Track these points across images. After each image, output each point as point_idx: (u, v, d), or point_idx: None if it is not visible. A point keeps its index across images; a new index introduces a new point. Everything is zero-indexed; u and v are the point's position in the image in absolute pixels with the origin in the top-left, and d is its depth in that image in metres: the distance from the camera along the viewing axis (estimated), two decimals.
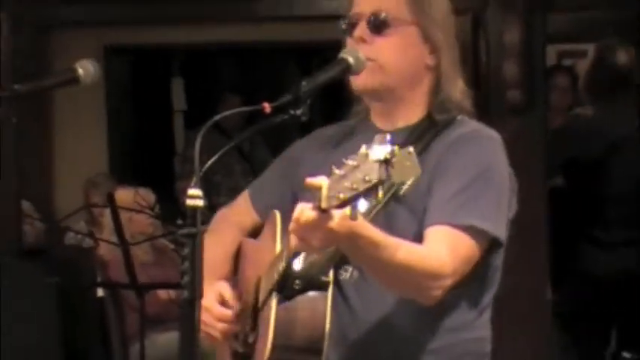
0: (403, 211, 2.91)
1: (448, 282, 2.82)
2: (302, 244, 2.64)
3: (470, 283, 2.93)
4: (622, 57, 6.46)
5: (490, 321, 3.06)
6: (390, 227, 2.82)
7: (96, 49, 7.16)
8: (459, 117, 3.04)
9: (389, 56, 3.00)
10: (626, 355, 6.42)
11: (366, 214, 2.62)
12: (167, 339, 6.56)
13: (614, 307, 6.58)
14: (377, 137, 2.41)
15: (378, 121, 3.09)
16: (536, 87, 5.78)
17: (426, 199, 2.90)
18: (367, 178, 2.40)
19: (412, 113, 3.05)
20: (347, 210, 2.49)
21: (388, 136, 2.43)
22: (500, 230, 2.92)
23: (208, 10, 6.34)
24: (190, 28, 7.54)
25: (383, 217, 2.82)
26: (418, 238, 2.86)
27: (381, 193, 2.42)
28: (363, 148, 2.41)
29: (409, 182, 2.44)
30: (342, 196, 2.44)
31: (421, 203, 2.90)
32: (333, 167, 2.46)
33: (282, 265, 2.82)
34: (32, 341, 6.09)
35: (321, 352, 2.86)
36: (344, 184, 2.43)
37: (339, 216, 2.52)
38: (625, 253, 6.47)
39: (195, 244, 2.74)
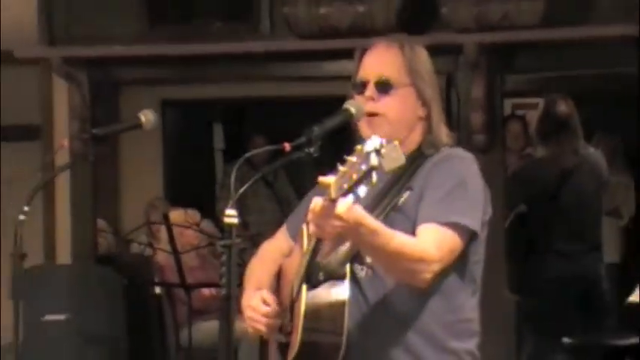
0: (401, 218, 2.93)
1: (436, 267, 2.85)
2: (318, 230, 2.68)
3: (460, 272, 2.95)
4: (563, 108, 6.46)
5: (477, 307, 3.08)
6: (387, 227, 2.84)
7: (154, 102, 7.17)
8: (443, 148, 3.06)
9: (393, 111, 3.03)
10: (566, 340, 6.39)
11: (364, 199, 2.63)
12: (209, 326, 6.54)
13: (570, 302, 6.55)
14: (373, 137, 2.47)
15: None
16: (496, 132, 5.77)
17: (417, 206, 2.92)
18: (363, 166, 2.47)
19: (406, 150, 3.04)
20: (350, 198, 2.53)
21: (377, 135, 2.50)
22: (476, 224, 2.95)
23: (240, 71, 6.34)
24: (227, 85, 7.56)
25: (384, 223, 2.83)
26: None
27: (374, 178, 2.49)
28: (358, 146, 2.49)
29: (395, 167, 2.48)
30: (346, 186, 2.50)
31: (415, 211, 2.92)
32: (338, 164, 2.52)
33: (306, 259, 2.85)
34: (105, 329, 6.08)
35: (342, 333, 2.86)
36: (346, 176, 2.49)
37: (344, 204, 2.56)
38: (578, 259, 6.46)
39: (231, 253, 2.74)
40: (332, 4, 5.72)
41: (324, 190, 2.57)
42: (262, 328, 3.07)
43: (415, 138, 3.06)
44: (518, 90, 7.77)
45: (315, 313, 2.88)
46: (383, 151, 2.48)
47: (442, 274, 2.91)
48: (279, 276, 3.21)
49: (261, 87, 7.61)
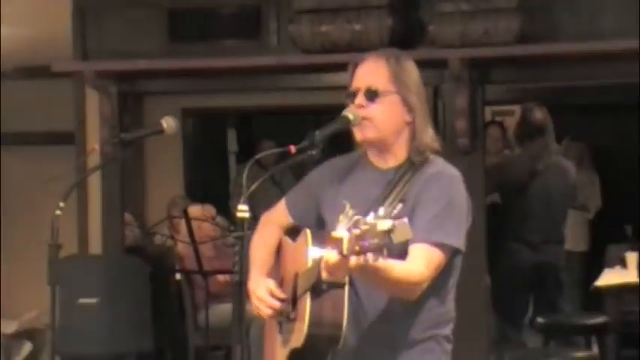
0: None
1: (425, 285, 2.89)
2: (331, 277, 2.72)
3: (436, 278, 2.95)
4: (538, 114, 6.47)
5: (454, 297, 3.09)
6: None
7: (175, 111, 7.15)
8: (431, 157, 3.05)
9: (380, 117, 3.02)
10: (540, 319, 6.39)
11: (375, 259, 2.60)
12: (224, 309, 6.54)
13: (533, 287, 6.56)
14: (381, 211, 2.47)
15: (374, 160, 3.09)
16: (478, 136, 5.76)
17: (409, 222, 2.89)
18: (377, 241, 2.47)
19: (397, 155, 3.06)
20: (368, 256, 2.50)
21: (389, 210, 2.49)
22: (461, 242, 2.97)
23: (251, 82, 6.33)
24: (239, 95, 7.55)
25: None
26: (404, 249, 2.87)
27: (385, 251, 2.49)
28: (371, 218, 2.47)
29: (403, 240, 2.49)
30: (357, 248, 2.49)
31: None
32: (343, 220, 2.50)
33: (314, 278, 2.84)
34: (132, 310, 6.08)
35: (341, 326, 2.88)
36: (360, 241, 2.48)
37: (356, 260, 2.53)
38: (542, 250, 6.46)
39: (243, 243, 2.74)
40: (332, 22, 5.72)
41: (335, 242, 2.55)
42: (266, 315, 3.10)
43: (403, 142, 3.05)
44: (497, 99, 7.76)
45: (319, 313, 2.90)
46: (395, 230, 2.47)
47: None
48: (278, 250, 3.23)
49: (269, 97, 7.60)
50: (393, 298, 2.95)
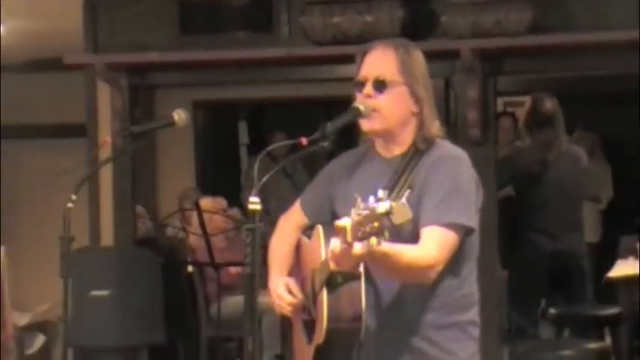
0: None
1: (439, 267, 2.87)
2: (338, 266, 2.72)
3: (452, 260, 2.94)
4: (548, 104, 6.45)
5: (476, 280, 3.07)
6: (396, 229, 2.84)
7: (186, 103, 7.16)
8: (437, 140, 3.04)
9: (387, 108, 3.00)
10: (552, 310, 6.38)
11: (379, 243, 2.61)
12: (236, 301, 6.54)
13: (554, 277, 6.54)
14: (380, 193, 2.48)
15: (380, 150, 3.09)
16: (489, 127, 5.75)
17: (418, 207, 2.89)
18: (376, 224, 2.47)
19: (403, 144, 3.05)
20: (365, 243, 2.52)
21: (387, 192, 2.51)
22: (472, 221, 2.95)
23: (262, 74, 6.33)
24: (251, 87, 7.55)
25: None
26: (414, 234, 2.88)
27: (387, 233, 2.49)
28: (371, 201, 2.48)
29: (404, 221, 2.49)
30: (360, 234, 2.49)
31: (415, 209, 2.86)
32: (353, 211, 2.51)
33: (326, 273, 2.86)
34: (144, 302, 6.09)
35: (360, 319, 2.89)
36: (361, 227, 2.49)
37: (360, 246, 2.54)
38: (561, 238, 6.44)
39: (254, 235, 2.74)
40: (343, 14, 5.71)
41: (339, 231, 2.57)
42: (288, 313, 3.12)
43: (409, 132, 3.04)
44: (509, 90, 7.75)
45: (337, 307, 2.90)
46: (393, 211, 2.47)
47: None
48: (297, 249, 3.23)
49: (280, 88, 7.59)
50: (406, 284, 2.94)
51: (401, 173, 2.98)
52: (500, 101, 8.24)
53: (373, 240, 2.49)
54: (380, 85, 3.00)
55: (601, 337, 6.37)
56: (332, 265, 2.73)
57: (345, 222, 2.52)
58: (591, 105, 8.83)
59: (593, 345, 5.69)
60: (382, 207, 2.46)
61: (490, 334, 5.50)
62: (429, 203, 2.91)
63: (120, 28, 6.30)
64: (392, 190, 2.92)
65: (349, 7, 5.71)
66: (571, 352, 5.46)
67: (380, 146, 3.09)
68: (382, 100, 3.00)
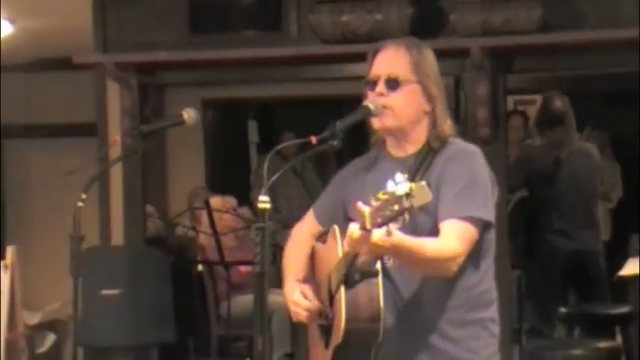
0: (421, 214, 2.86)
1: (461, 259, 2.87)
2: (355, 252, 2.72)
3: (471, 255, 2.94)
4: (558, 103, 6.42)
5: (494, 277, 3.08)
6: (414, 225, 2.85)
7: (196, 102, 7.17)
8: (450, 139, 3.04)
9: (400, 106, 3.00)
10: (563, 309, 6.35)
11: (399, 228, 2.62)
12: (246, 299, 6.54)
13: (571, 276, 6.51)
14: (398, 176, 2.47)
15: (392, 150, 3.09)
16: (499, 126, 5.75)
17: (435, 202, 2.88)
18: (396, 207, 2.48)
19: (416, 143, 3.05)
20: (384, 229, 2.54)
21: (406, 175, 2.52)
22: (490, 215, 2.96)
23: (271, 73, 6.34)
24: (260, 86, 7.55)
25: (409, 222, 2.82)
26: (433, 230, 2.89)
27: (406, 216, 2.50)
28: (391, 186, 2.49)
29: (424, 204, 2.49)
30: (379, 220, 2.51)
31: (432, 206, 2.87)
32: (371, 198, 2.52)
33: (344, 268, 2.86)
34: (154, 301, 6.10)
35: (379, 319, 2.88)
36: (380, 212, 2.50)
37: (379, 233, 2.56)
38: (578, 237, 6.42)
39: (264, 234, 2.74)
40: (353, 12, 5.71)
41: (359, 216, 2.57)
42: (304, 319, 3.10)
43: (422, 131, 3.03)
44: (519, 88, 7.74)
45: (355, 307, 2.89)
46: (413, 192, 2.48)
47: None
48: (312, 257, 3.22)
49: (290, 87, 7.60)
50: (428, 280, 2.93)
51: (415, 171, 2.97)
52: (511, 100, 8.23)
53: (392, 227, 2.50)
54: (393, 83, 2.99)
55: (612, 336, 6.36)
56: (346, 249, 2.71)
57: (365, 207, 2.54)
58: (601, 103, 8.81)
59: (603, 344, 5.67)
60: (402, 189, 2.47)
61: (500, 333, 5.49)
62: (447, 198, 2.91)
63: (129, 27, 6.31)
64: None
65: (358, 5, 5.70)
66: (582, 351, 5.44)
67: (392, 146, 3.08)
68: (395, 98, 2.99)
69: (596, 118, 8.32)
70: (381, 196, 2.50)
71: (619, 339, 6.24)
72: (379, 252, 2.73)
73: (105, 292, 5.98)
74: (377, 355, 2.92)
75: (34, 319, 7.98)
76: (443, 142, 3.02)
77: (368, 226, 2.53)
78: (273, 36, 6.08)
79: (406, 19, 5.62)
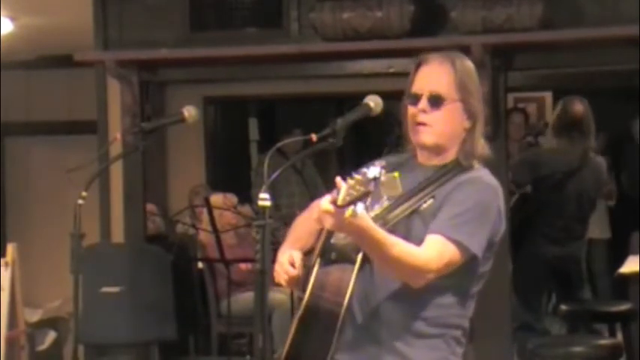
0: (419, 222, 2.90)
1: (430, 276, 2.82)
2: (324, 223, 2.68)
3: (460, 280, 2.90)
4: (579, 107, 6.37)
5: (473, 308, 3.01)
6: (408, 232, 2.85)
7: (197, 99, 7.17)
8: (477, 166, 2.99)
9: (441, 125, 2.96)
10: (563, 307, 6.36)
11: (364, 211, 2.62)
12: (246, 297, 6.54)
13: (554, 277, 6.52)
14: (376, 163, 2.50)
15: (421, 159, 3.04)
16: (500, 123, 5.74)
17: (434, 216, 2.88)
18: (362, 188, 2.49)
19: (446, 157, 3.00)
20: (349, 210, 2.54)
21: (383, 163, 2.60)
22: (478, 248, 2.88)
23: (272, 70, 6.34)
24: (261, 83, 7.54)
25: (404, 225, 2.84)
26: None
27: (369, 201, 2.52)
28: (364, 168, 2.50)
29: (391, 195, 2.51)
30: (348, 198, 2.51)
31: (432, 218, 2.88)
32: (348, 177, 2.53)
33: (324, 237, 2.86)
34: (155, 299, 6.09)
35: (342, 304, 2.85)
36: (350, 190, 2.51)
37: (348, 212, 2.56)
38: (566, 244, 6.42)
39: (264, 232, 2.74)
40: (354, 9, 5.70)
41: (337, 190, 2.58)
42: (283, 282, 3.03)
43: (455, 147, 2.99)
44: (520, 85, 7.73)
45: (322, 284, 2.87)
46: (382, 179, 2.49)
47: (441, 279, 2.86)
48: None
49: (290, 84, 7.59)
50: (405, 286, 2.87)
51: (431, 182, 2.94)
52: (511, 97, 8.24)
53: (359, 206, 2.50)
54: (436, 101, 2.94)
55: (612, 334, 6.36)
56: (320, 221, 2.69)
57: (343, 183, 2.55)
58: (602, 100, 8.80)
59: (604, 341, 5.67)
60: (372, 172, 2.49)
61: (501, 331, 5.49)
62: (444, 215, 2.87)
63: (130, 24, 6.30)
64: (417, 194, 2.90)
65: (359, 3, 5.70)
66: (582, 348, 5.44)
67: (422, 155, 3.03)
68: (436, 116, 2.94)
69: (598, 116, 8.33)
70: (356, 176, 2.51)
71: (619, 336, 6.24)
72: (343, 230, 2.70)
73: (105, 289, 5.98)
74: (338, 342, 2.87)
75: (35, 316, 7.98)
76: (471, 161, 2.97)
77: (339, 202, 2.53)
78: (274, 33, 6.08)
79: (407, 16, 5.62)
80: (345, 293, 2.85)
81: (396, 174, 2.51)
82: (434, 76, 2.96)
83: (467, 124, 2.97)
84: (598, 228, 8.02)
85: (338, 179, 2.57)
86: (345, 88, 6.86)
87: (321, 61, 6.07)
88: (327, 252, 2.86)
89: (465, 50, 5.45)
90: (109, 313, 5.97)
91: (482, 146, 3.00)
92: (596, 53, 5.71)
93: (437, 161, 2.99)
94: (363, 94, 3.03)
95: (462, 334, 3.00)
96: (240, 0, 6.18)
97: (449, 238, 2.83)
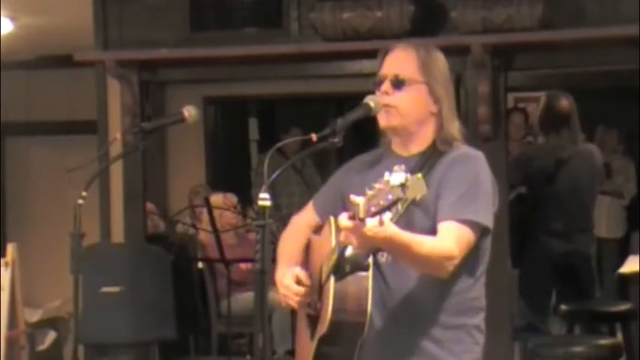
0: (419, 212, 2.92)
1: (456, 261, 2.87)
2: (348, 242, 2.72)
3: (467, 259, 2.93)
4: (563, 103, 6.39)
5: (484, 284, 3.07)
6: (410, 223, 2.86)
7: (197, 99, 7.18)
8: (456, 144, 3.04)
9: (404, 105, 3.01)
10: (564, 307, 6.36)
11: (392, 219, 2.64)
12: (246, 297, 6.55)
13: (562, 276, 6.51)
14: (396, 167, 2.49)
15: (397, 150, 3.09)
16: (500, 123, 5.74)
17: (435, 203, 2.91)
18: (390, 197, 2.49)
19: (421, 144, 3.05)
20: (376, 219, 2.55)
21: (403, 167, 2.60)
22: (488, 220, 2.96)
23: (272, 70, 6.33)
24: (261, 83, 7.55)
25: (405, 217, 2.84)
26: (430, 230, 2.89)
27: (400, 206, 2.53)
28: (386, 176, 2.50)
29: (419, 197, 2.49)
30: (373, 209, 2.52)
31: (432, 206, 2.91)
32: (367, 188, 2.53)
33: (335, 256, 2.86)
34: (155, 299, 6.09)
35: (366, 312, 2.87)
36: (374, 201, 2.51)
37: (372, 223, 2.57)
38: (572, 238, 6.41)
39: (264, 231, 2.74)
40: (354, 9, 5.71)
41: (353, 207, 2.58)
42: (294, 304, 3.08)
43: (428, 133, 3.04)
44: (520, 85, 7.73)
45: (343, 298, 2.88)
46: (407, 183, 2.49)
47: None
48: (307, 249, 3.21)
49: (290, 84, 7.60)
50: (420, 281, 2.92)
51: (417, 171, 2.96)
52: (511, 97, 8.23)
53: (386, 216, 2.50)
54: (398, 83, 3.00)
55: (612, 333, 6.36)
56: (342, 239, 2.72)
57: (358, 198, 2.55)
58: (610, 100, 8.79)
59: (604, 341, 5.67)
60: (396, 178, 2.48)
61: (501, 331, 5.49)
62: (447, 200, 2.91)
63: (130, 24, 6.30)
64: None
65: (359, 3, 5.70)
66: (582, 348, 5.45)
67: (397, 146, 3.08)
68: (399, 97, 3.00)
69: (606, 115, 8.33)
70: (376, 185, 2.51)
71: (620, 336, 6.24)
72: (372, 244, 2.71)
73: (105, 289, 5.98)
74: (361, 351, 2.91)
75: (35, 316, 7.98)
76: (449, 144, 3.02)
77: (361, 214, 2.54)
78: (274, 33, 6.08)
79: (407, 16, 5.62)
80: (367, 301, 2.87)
81: (419, 175, 2.51)
82: (397, 60, 3.04)
83: (433, 107, 3.03)
84: (611, 227, 8.03)
85: (352, 196, 2.59)
86: (345, 88, 6.85)
87: (321, 61, 6.07)
88: (340, 267, 2.87)
89: (465, 50, 5.49)
90: (109, 313, 5.97)
91: (457, 129, 3.05)
92: (596, 53, 5.71)
93: (414, 149, 3.04)
94: (363, 94, 3.04)
95: (480, 320, 3.05)
96: (240, 0, 6.18)
97: (460, 221, 2.88)
